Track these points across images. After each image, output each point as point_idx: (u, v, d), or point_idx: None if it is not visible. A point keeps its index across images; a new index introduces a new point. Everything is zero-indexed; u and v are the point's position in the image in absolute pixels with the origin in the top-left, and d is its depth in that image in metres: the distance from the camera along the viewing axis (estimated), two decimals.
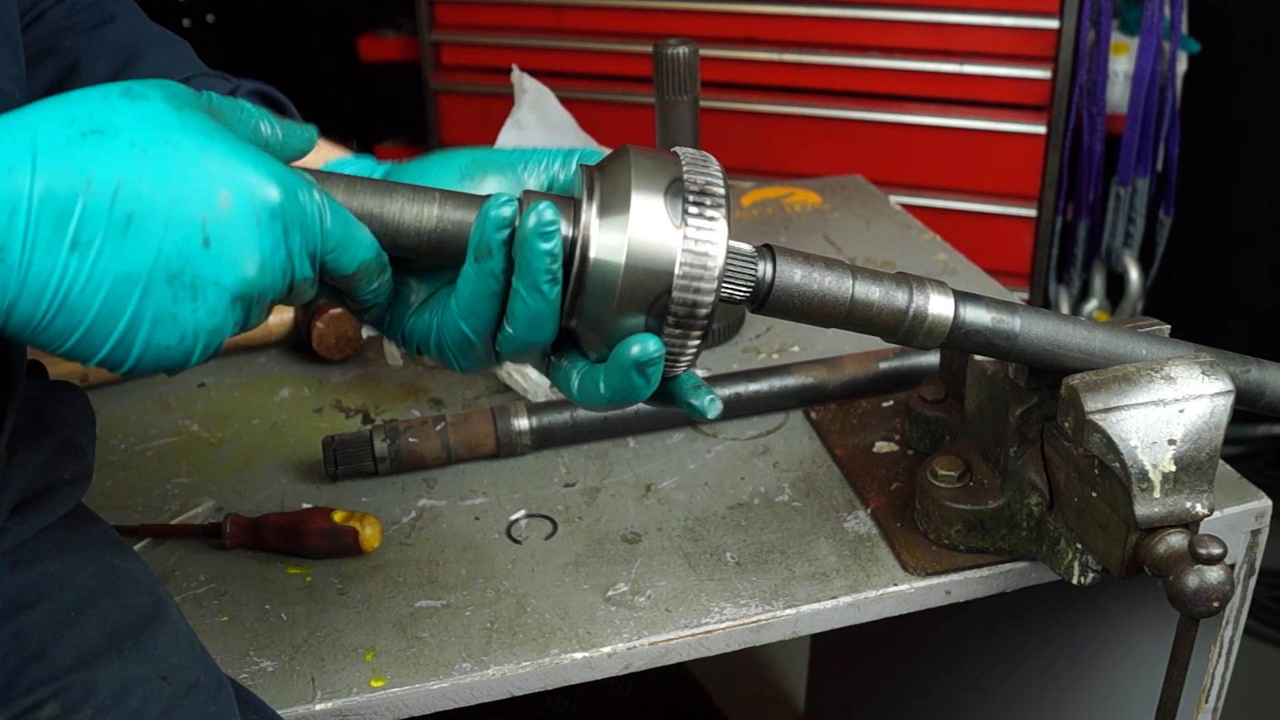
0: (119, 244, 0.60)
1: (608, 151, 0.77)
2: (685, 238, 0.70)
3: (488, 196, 0.72)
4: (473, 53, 2.83)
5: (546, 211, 0.68)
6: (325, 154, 0.89)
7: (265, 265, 0.64)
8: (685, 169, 0.73)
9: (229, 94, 0.90)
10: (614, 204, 0.71)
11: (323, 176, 0.71)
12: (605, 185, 0.72)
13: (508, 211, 0.69)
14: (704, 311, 0.71)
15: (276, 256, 0.64)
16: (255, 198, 0.63)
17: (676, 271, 0.70)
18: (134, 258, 0.60)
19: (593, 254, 0.71)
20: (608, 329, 0.72)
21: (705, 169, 0.73)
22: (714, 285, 0.71)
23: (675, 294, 0.71)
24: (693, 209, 0.71)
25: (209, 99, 0.67)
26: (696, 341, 0.73)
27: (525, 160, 0.78)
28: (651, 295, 0.71)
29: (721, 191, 0.72)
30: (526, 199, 0.73)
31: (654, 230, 0.70)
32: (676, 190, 0.71)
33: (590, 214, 0.71)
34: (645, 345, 0.71)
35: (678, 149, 0.76)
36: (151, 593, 0.83)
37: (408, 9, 2.84)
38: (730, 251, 0.77)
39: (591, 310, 0.72)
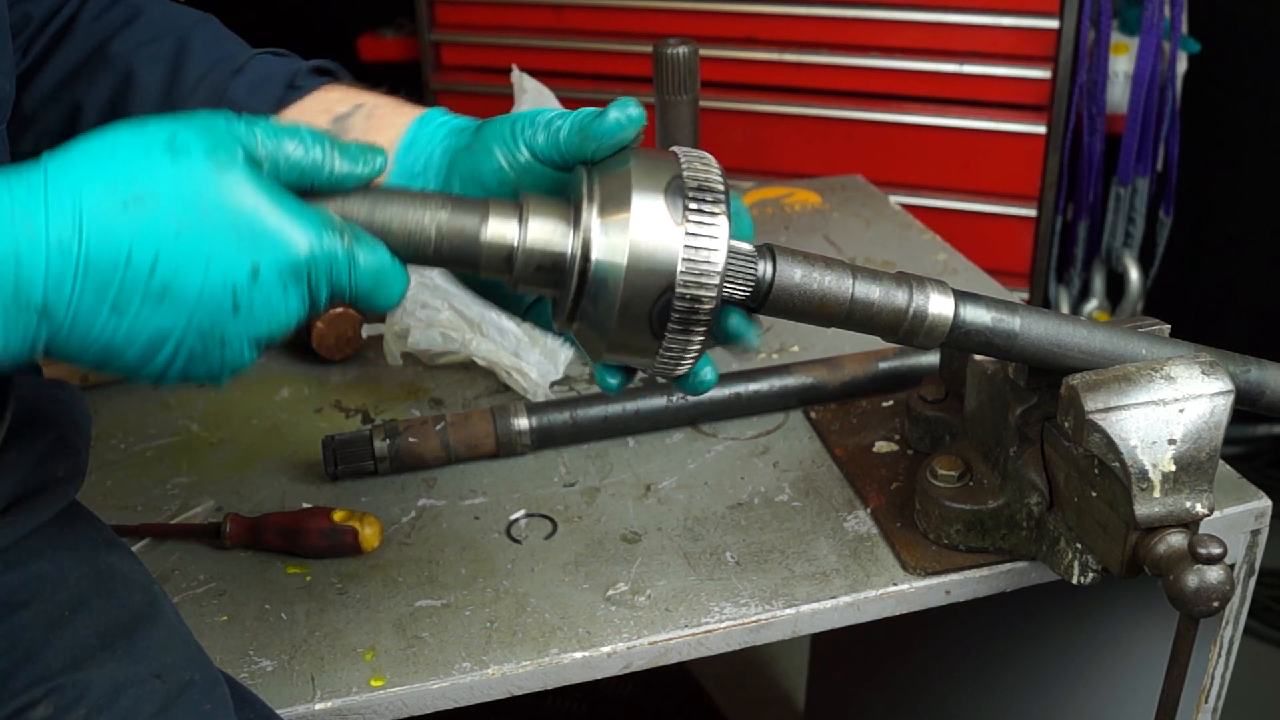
0: (155, 309, 0.64)
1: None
2: (687, 234, 0.70)
3: (488, 210, 0.72)
4: (473, 53, 2.83)
5: None
6: (400, 116, 0.88)
7: (290, 318, 0.68)
8: (684, 166, 0.72)
9: (291, 74, 0.91)
10: (614, 204, 0.71)
11: (358, 196, 0.71)
12: (605, 187, 0.72)
13: None
14: (706, 309, 0.71)
15: (301, 309, 0.68)
16: (283, 264, 0.66)
17: (679, 268, 0.70)
18: (168, 320, 0.64)
19: (594, 255, 0.71)
20: (609, 332, 0.72)
21: (705, 166, 0.73)
22: (716, 281, 0.71)
23: (678, 290, 0.70)
24: (693, 205, 0.71)
25: (255, 136, 0.68)
26: (699, 341, 0.73)
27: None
28: (654, 294, 0.71)
29: (721, 187, 0.72)
30: (526, 204, 0.73)
31: (655, 229, 0.70)
32: (677, 188, 0.71)
33: (591, 216, 0.71)
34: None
35: (676, 148, 0.76)
36: (146, 591, 0.83)
37: (408, 9, 2.84)
38: (731, 251, 0.77)
39: (593, 312, 0.72)
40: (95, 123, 0.91)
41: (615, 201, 0.71)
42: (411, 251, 0.72)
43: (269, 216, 0.65)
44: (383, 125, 0.87)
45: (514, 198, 0.77)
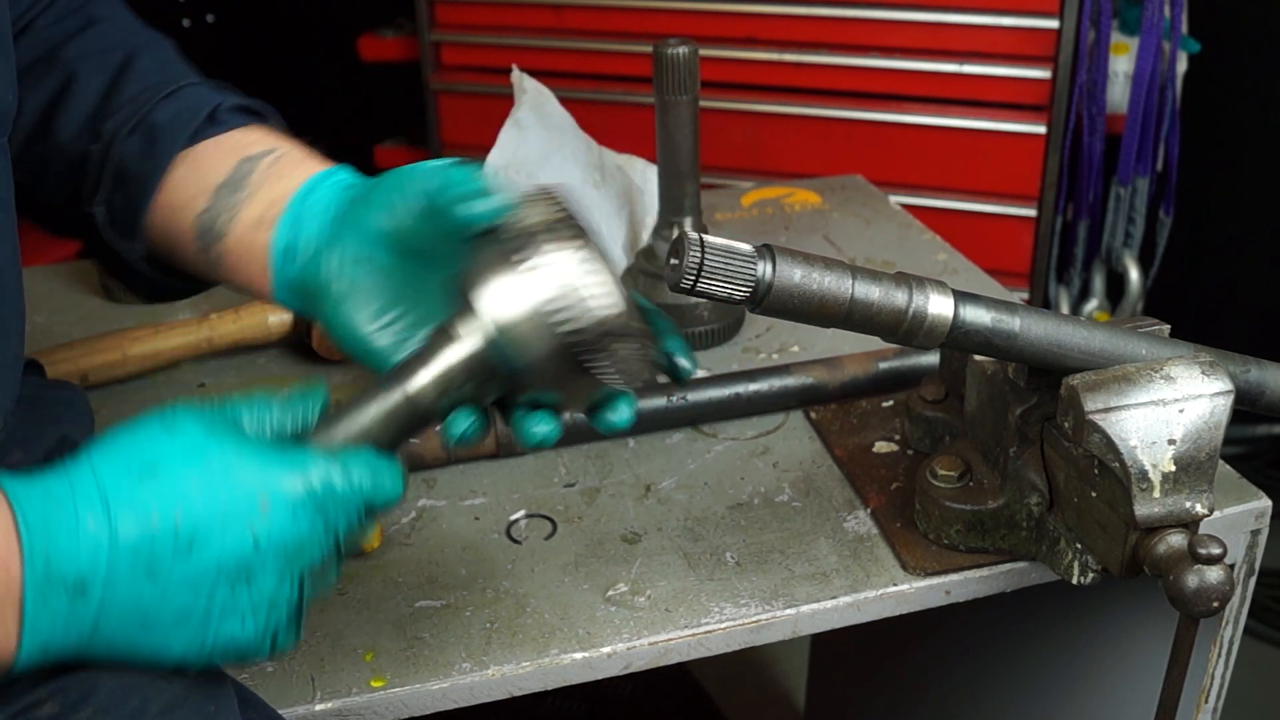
0: (185, 563, 0.68)
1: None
2: (531, 281, 0.72)
3: (411, 366, 0.76)
4: (473, 53, 2.82)
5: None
6: (305, 168, 0.89)
7: (307, 544, 0.72)
8: (506, 221, 0.74)
9: (213, 108, 0.94)
10: (472, 291, 0.74)
11: (327, 423, 0.76)
12: (462, 281, 0.76)
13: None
14: (593, 330, 0.72)
15: (315, 532, 0.72)
16: (288, 495, 0.71)
17: (543, 311, 0.72)
18: (198, 571, 0.69)
19: (480, 348, 0.74)
20: (551, 392, 0.76)
21: (527, 209, 0.74)
22: (588, 304, 0.72)
23: (559, 331, 0.72)
24: (519, 255, 0.72)
25: (233, 412, 0.75)
26: (630, 350, 0.74)
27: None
28: (546, 343, 0.72)
29: (536, 219, 0.73)
30: (432, 336, 0.77)
31: (506, 293, 0.73)
32: (505, 250, 0.73)
33: (462, 315, 0.75)
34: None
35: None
36: None
37: (408, 9, 2.84)
38: (729, 252, 0.77)
39: (525, 386, 0.76)
40: (28, 124, 0.93)
41: (472, 288, 0.74)
42: (380, 444, 0.76)
43: (263, 459, 0.71)
44: (285, 174, 0.89)
45: (400, 250, 0.80)
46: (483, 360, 0.75)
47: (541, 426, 0.79)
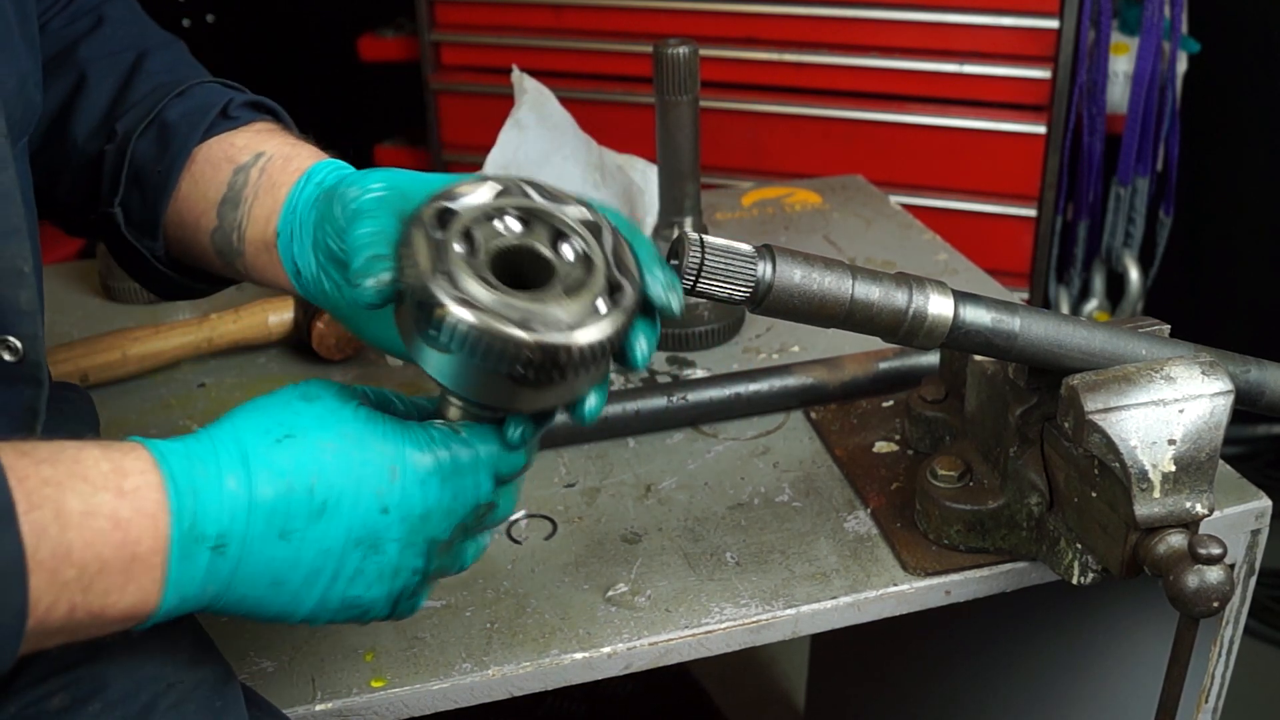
0: (316, 525, 0.70)
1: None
2: (442, 353, 0.70)
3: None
4: (473, 53, 2.82)
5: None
6: (286, 175, 0.89)
7: (434, 514, 0.73)
8: (409, 277, 0.71)
9: (225, 104, 0.94)
10: (411, 352, 0.74)
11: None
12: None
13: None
14: (519, 368, 0.69)
15: (442, 503, 0.74)
16: (418, 465, 0.73)
17: (469, 367, 0.70)
18: (329, 535, 0.71)
19: (437, 378, 0.74)
20: (537, 402, 0.74)
21: (406, 277, 0.71)
22: (509, 347, 0.68)
23: (498, 371, 0.70)
24: (424, 328, 0.70)
25: (363, 392, 0.77)
26: (577, 373, 0.71)
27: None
28: (492, 384, 0.71)
29: (417, 285, 0.69)
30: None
31: (435, 363, 0.72)
32: (414, 317, 0.71)
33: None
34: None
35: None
36: None
37: (408, 9, 2.84)
38: (728, 252, 0.77)
39: (516, 406, 0.75)
40: (43, 125, 0.94)
41: (410, 350, 0.74)
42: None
43: (396, 431, 0.73)
44: (272, 184, 0.89)
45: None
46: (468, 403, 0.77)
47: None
